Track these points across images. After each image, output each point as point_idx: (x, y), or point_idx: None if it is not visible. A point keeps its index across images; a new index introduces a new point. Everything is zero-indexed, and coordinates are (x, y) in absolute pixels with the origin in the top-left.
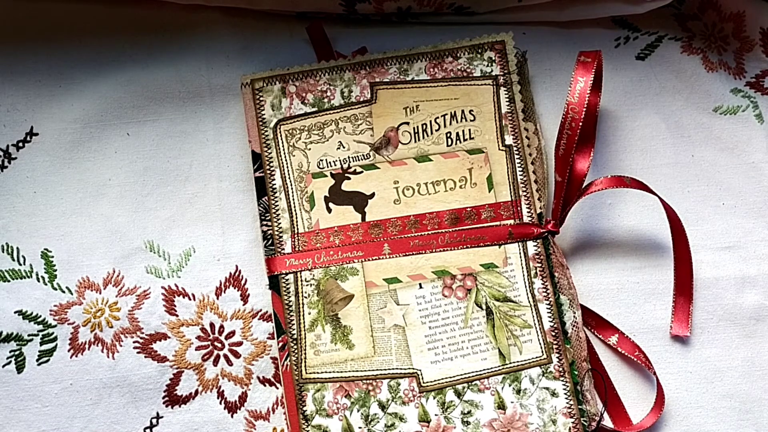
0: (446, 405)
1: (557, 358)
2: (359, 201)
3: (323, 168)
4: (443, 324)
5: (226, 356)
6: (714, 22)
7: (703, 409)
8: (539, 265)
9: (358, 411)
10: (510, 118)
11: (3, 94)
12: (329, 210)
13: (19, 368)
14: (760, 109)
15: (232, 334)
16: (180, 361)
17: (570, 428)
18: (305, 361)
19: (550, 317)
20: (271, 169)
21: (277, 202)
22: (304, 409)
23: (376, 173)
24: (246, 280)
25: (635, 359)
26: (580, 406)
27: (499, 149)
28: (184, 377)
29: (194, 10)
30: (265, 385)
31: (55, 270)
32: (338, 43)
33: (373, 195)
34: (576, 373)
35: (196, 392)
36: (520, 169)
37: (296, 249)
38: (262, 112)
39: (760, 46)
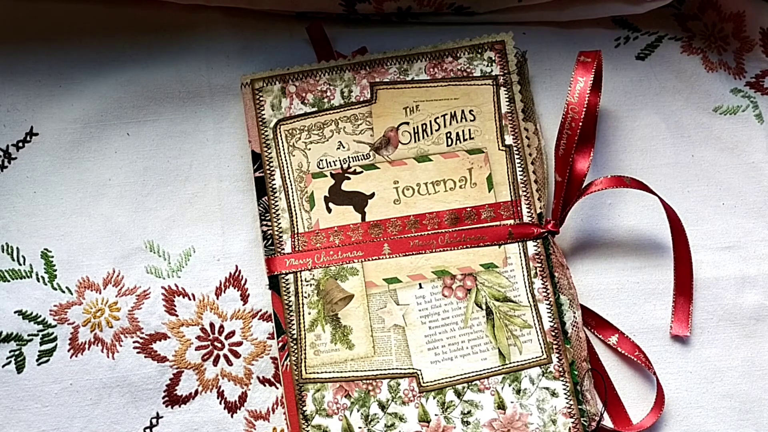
0: (446, 405)
1: (557, 358)
2: (359, 201)
3: (323, 168)
4: (443, 324)
5: (226, 356)
6: (714, 22)
7: (703, 409)
8: (539, 265)
9: (358, 411)
10: (510, 118)
11: (3, 94)
12: (329, 210)
13: (19, 368)
14: (760, 109)
15: (232, 334)
16: (180, 361)
17: (570, 428)
18: (305, 361)
19: (550, 317)
20: (271, 169)
21: (277, 202)
22: (304, 409)
23: (376, 173)
24: (246, 280)
25: (635, 359)
26: (580, 406)
27: (499, 149)
28: (184, 377)
29: (194, 10)
30: (265, 385)
31: (55, 270)
32: (338, 43)
33: (373, 195)
34: (576, 373)
35: (196, 392)
36: (520, 169)
37: (296, 249)
38: (262, 112)
39: (760, 46)
